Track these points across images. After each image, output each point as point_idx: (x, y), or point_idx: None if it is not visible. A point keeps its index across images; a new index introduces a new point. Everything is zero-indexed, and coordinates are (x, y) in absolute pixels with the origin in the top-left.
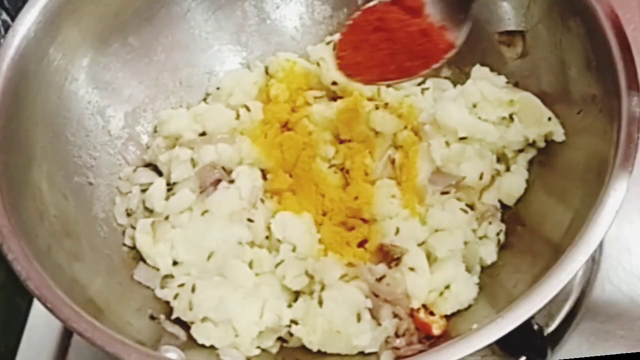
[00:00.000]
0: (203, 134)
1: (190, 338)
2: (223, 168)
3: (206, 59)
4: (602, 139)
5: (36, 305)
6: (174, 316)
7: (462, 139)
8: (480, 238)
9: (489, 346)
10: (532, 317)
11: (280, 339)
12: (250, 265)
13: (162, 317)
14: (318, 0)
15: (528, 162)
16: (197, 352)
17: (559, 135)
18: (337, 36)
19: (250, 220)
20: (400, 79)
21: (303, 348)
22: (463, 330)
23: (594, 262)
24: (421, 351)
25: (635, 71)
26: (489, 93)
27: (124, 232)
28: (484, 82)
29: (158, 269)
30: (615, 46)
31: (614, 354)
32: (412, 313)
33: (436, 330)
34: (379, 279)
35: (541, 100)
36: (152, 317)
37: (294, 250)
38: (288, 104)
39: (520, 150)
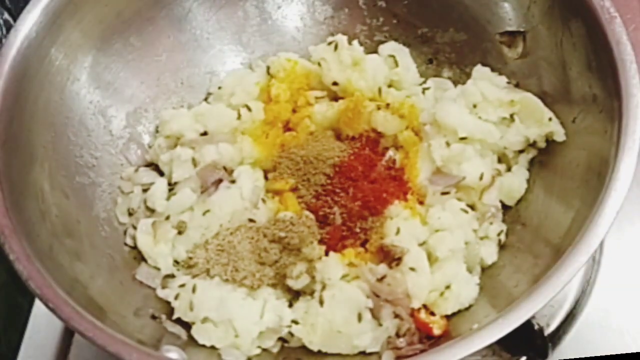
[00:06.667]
0: (204, 133)
1: (192, 338)
2: (224, 168)
3: (207, 59)
4: (603, 139)
5: (37, 305)
6: (174, 316)
7: (462, 139)
8: (481, 238)
9: (490, 346)
10: (532, 317)
11: (281, 338)
12: None
13: (164, 317)
14: (319, 0)
15: (529, 162)
16: (198, 352)
17: (559, 135)
18: (338, 36)
19: (251, 220)
20: None
21: (304, 348)
22: (464, 330)
23: (595, 262)
24: (422, 351)
25: (635, 71)
26: (489, 93)
27: (125, 232)
28: (484, 82)
29: (159, 269)
30: (616, 46)
31: (614, 354)
32: (412, 313)
33: (437, 331)
34: (380, 279)
35: (542, 100)
36: (154, 317)
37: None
38: (289, 103)
39: (521, 151)
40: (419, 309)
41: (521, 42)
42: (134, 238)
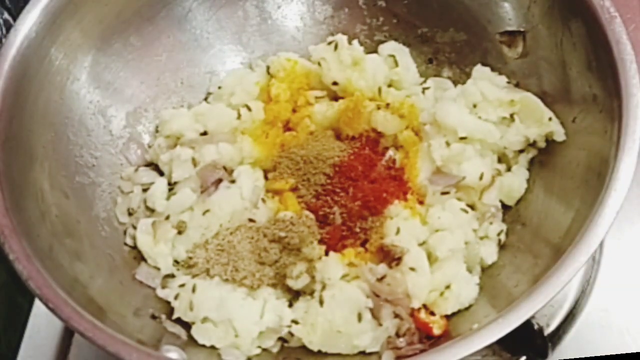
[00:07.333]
0: (204, 133)
1: (192, 338)
2: (224, 168)
3: (207, 59)
4: (603, 139)
5: (37, 305)
6: (174, 316)
7: (462, 139)
8: (481, 238)
9: (490, 346)
10: (532, 317)
11: (281, 338)
12: None
13: (163, 316)
14: (319, 0)
15: (529, 162)
16: (198, 352)
17: (559, 135)
18: (338, 36)
19: (251, 220)
20: None
21: (304, 348)
22: (464, 330)
23: (595, 262)
24: (422, 351)
25: (635, 71)
26: (489, 93)
27: (125, 232)
28: (484, 82)
29: (159, 269)
30: (616, 46)
31: (614, 354)
32: (412, 313)
33: (437, 330)
34: (380, 279)
35: (542, 100)
36: (153, 317)
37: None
38: (289, 103)
39: (521, 151)
40: (419, 309)
41: (521, 42)
42: (134, 238)
